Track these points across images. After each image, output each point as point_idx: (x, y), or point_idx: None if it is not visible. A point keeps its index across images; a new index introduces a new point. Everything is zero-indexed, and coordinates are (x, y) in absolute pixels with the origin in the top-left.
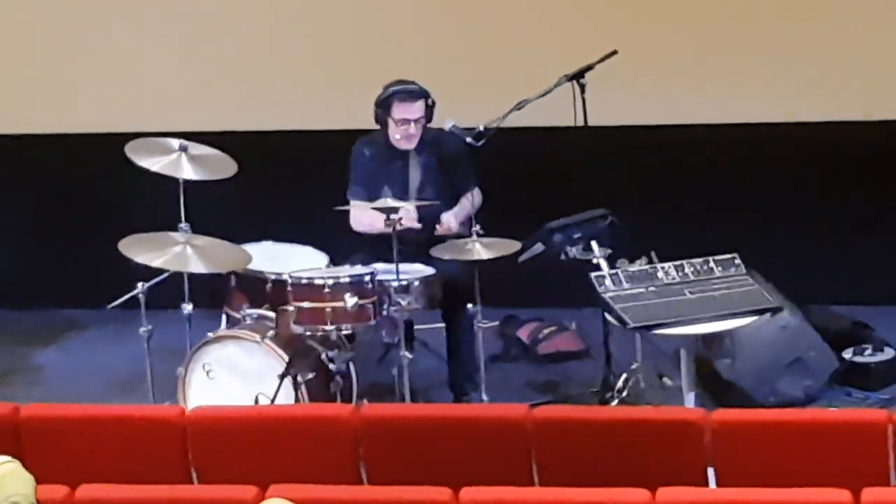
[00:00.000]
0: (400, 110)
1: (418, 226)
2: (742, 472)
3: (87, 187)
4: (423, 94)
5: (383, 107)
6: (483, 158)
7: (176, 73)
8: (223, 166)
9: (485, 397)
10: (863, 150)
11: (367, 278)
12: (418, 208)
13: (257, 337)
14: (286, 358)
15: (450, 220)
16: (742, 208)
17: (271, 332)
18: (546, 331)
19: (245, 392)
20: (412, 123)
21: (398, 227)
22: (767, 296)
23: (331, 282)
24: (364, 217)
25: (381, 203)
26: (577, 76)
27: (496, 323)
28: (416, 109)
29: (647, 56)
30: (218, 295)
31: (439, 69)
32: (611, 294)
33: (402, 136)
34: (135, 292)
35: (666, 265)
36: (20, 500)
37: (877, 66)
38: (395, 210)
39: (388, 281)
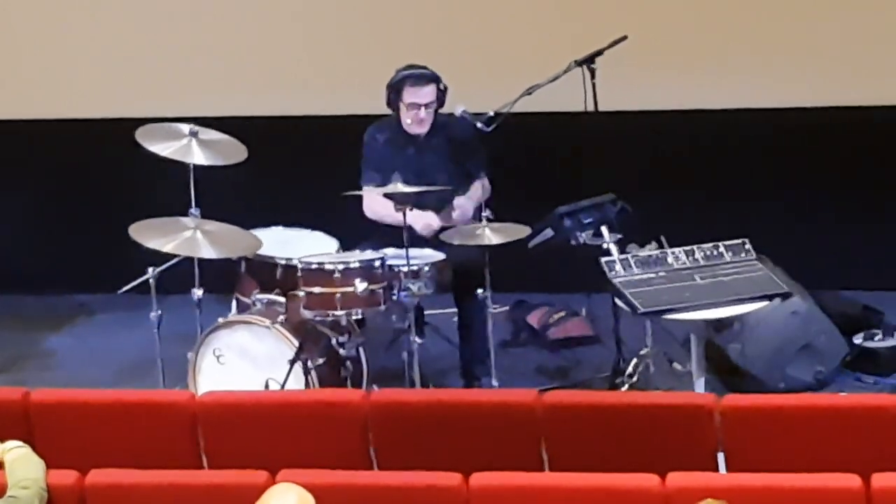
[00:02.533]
0: (411, 94)
1: (432, 234)
2: (752, 458)
3: (97, 173)
4: (434, 79)
5: (394, 91)
6: (493, 144)
7: (187, 58)
8: (233, 151)
9: (495, 382)
10: (874, 134)
11: (378, 263)
12: (429, 193)
13: (267, 322)
14: (296, 343)
15: (464, 204)
16: (752, 193)
17: (281, 318)
18: (556, 316)
19: (255, 377)
20: (423, 108)
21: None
22: (777, 281)
23: (341, 267)
24: (379, 206)
25: (391, 188)
26: (587, 61)
27: (506, 308)
28: (427, 94)
29: (657, 41)
30: (228, 280)
31: (450, 54)
32: (621, 279)
33: (413, 120)
34: (145, 277)
35: (676, 250)
36: (30, 485)
37: (890, 50)
38: (408, 196)
39: (399, 266)
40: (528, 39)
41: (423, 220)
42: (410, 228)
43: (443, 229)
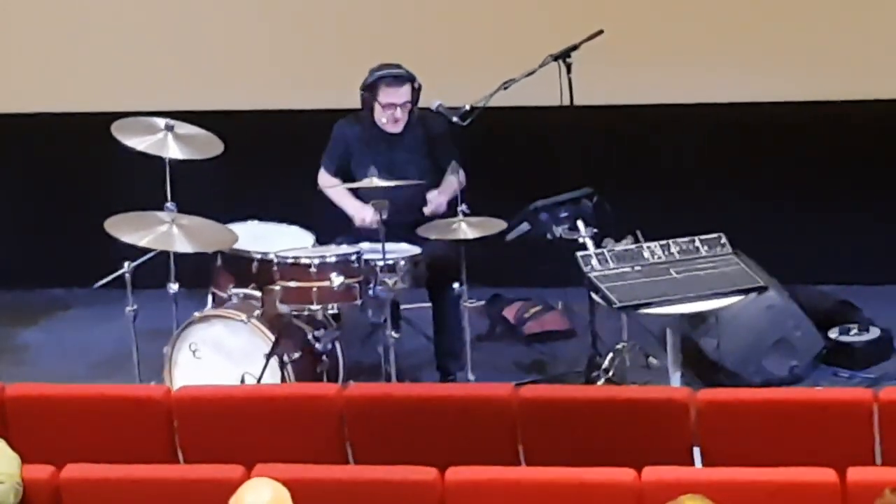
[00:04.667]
0: (386, 95)
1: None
2: (728, 452)
3: (72, 167)
4: (409, 79)
5: (369, 91)
6: (469, 138)
7: (162, 52)
8: (209, 145)
9: (471, 377)
10: (849, 129)
11: (354, 258)
12: (402, 188)
13: (243, 316)
14: (272, 337)
15: (438, 198)
16: (728, 188)
17: (257, 312)
18: (532, 310)
19: (231, 372)
20: (398, 108)
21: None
22: (753, 275)
23: (317, 261)
24: (346, 205)
25: (366, 182)
26: (563, 56)
27: (482, 302)
28: (403, 94)
29: (633, 36)
30: (204, 274)
31: (426, 49)
32: (597, 273)
33: (389, 120)
34: (121, 272)
35: (652, 245)
36: (6, 480)
37: (865, 45)
38: (381, 191)
39: (375, 260)
40: (504, 33)
41: (360, 213)
42: (387, 223)
43: (385, 223)
